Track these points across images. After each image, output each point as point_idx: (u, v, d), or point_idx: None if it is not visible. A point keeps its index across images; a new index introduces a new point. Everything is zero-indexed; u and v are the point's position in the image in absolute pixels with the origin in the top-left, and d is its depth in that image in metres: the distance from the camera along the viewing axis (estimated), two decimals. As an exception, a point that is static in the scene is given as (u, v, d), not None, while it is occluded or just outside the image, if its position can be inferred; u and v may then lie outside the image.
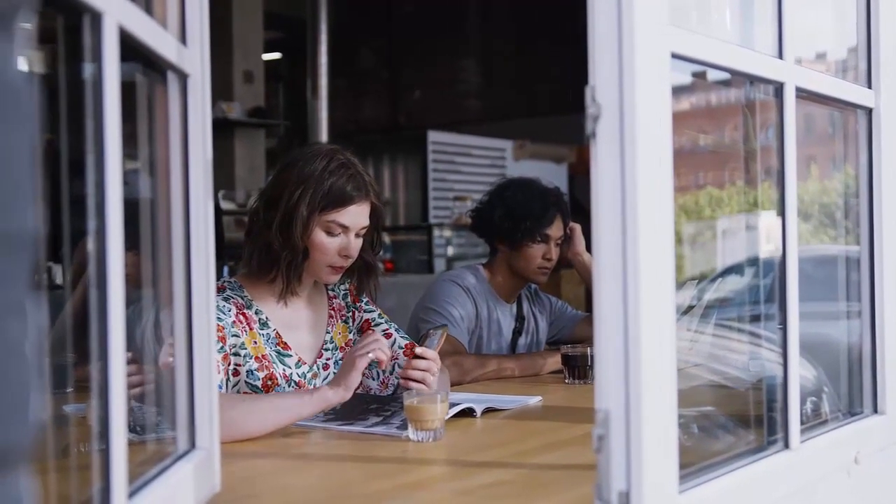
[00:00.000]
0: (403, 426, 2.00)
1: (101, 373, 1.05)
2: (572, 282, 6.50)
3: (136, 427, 1.40)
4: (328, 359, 2.41)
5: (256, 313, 2.31)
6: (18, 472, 0.61)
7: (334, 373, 2.37)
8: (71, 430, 1.51)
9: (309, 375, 2.35)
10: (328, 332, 2.43)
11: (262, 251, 2.29)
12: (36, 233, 0.62)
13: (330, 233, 2.27)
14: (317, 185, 2.24)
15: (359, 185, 2.28)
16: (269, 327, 2.31)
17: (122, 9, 1.09)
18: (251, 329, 2.28)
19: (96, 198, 1.04)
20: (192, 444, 1.44)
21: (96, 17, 1.03)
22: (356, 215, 2.29)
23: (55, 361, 1.75)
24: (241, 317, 2.25)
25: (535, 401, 2.45)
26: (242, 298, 2.30)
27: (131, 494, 1.13)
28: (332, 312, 2.47)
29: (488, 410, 2.29)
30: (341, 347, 2.44)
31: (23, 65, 0.62)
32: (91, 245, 1.04)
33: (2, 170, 0.59)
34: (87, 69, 1.05)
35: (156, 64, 1.33)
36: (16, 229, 0.60)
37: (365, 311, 2.51)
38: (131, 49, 1.15)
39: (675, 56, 1.31)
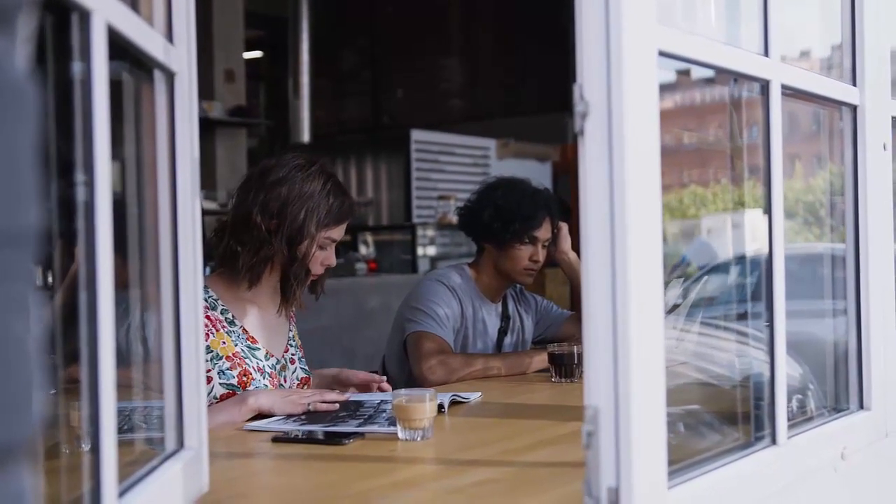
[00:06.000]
0: (392, 423, 1.99)
1: (90, 374, 1.04)
2: (556, 280, 6.51)
3: (122, 426, 1.40)
4: (293, 354, 2.55)
5: (222, 313, 2.39)
6: (22, 468, 0.62)
7: (300, 367, 2.55)
8: (56, 430, 1.50)
9: (278, 368, 2.46)
10: (290, 331, 2.58)
11: (263, 262, 2.38)
12: (36, 230, 0.63)
13: (321, 247, 2.42)
14: (320, 205, 2.38)
15: (352, 204, 2.47)
16: (236, 325, 2.40)
17: (110, 7, 1.08)
18: (218, 330, 2.36)
19: (85, 198, 1.03)
20: (181, 444, 1.43)
21: (85, 16, 1.03)
22: (344, 229, 2.48)
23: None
24: (205, 319, 2.28)
25: (475, 396, 2.48)
26: (206, 300, 2.35)
27: (121, 494, 1.12)
28: (292, 315, 2.61)
29: (454, 403, 2.36)
30: (300, 346, 2.60)
31: (23, 64, 0.62)
32: (80, 246, 1.03)
33: (7, 167, 0.59)
34: (75, 67, 1.05)
35: (143, 62, 1.33)
36: (18, 225, 0.61)
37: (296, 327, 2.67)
38: (118, 47, 1.15)
39: (662, 54, 1.31)
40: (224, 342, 2.35)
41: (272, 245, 2.35)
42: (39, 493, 0.69)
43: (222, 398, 2.29)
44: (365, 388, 2.55)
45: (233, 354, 2.34)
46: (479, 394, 2.51)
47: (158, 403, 1.45)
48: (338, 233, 2.44)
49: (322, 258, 2.43)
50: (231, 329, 2.38)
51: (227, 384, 2.31)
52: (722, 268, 2.27)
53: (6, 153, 0.58)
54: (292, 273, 2.39)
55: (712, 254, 2.17)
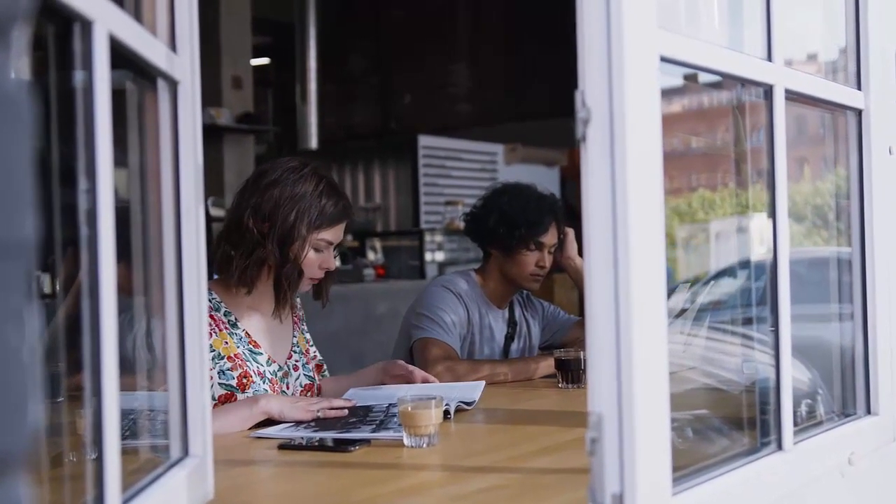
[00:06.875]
0: (401, 429, 1.99)
1: (93, 382, 1.05)
2: (565, 286, 6.50)
3: (126, 433, 1.40)
4: (296, 361, 2.54)
5: (225, 315, 2.40)
6: (17, 478, 0.62)
7: (304, 374, 2.54)
8: (62, 438, 1.51)
9: (280, 374, 2.46)
10: (294, 337, 2.57)
11: (256, 265, 2.38)
12: (33, 241, 0.63)
13: (317, 249, 2.41)
14: (311, 206, 2.37)
15: (346, 206, 2.45)
16: (239, 328, 2.41)
17: (112, 16, 1.08)
18: (221, 330, 2.37)
19: (88, 206, 1.04)
20: (186, 452, 1.43)
21: (87, 25, 1.03)
22: (341, 232, 2.47)
23: (46, 370, 1.74)
24: (208, 319, 2.30)
25: (481, 387, 2.53)
26: (210, 301, 2.36)
27: (125, 502, 1.13)
28: (296, 320, 2.61)
29: (460, 410, 2.35)
30: (304, 352, 2.58)
31: (20, 73, 0.62)
32: (83, 254, 1.04)
33: (2, 179, 0.59)
34: (78, 76, 1.05)
35: (146, 71, 1.33)
36: (14, 237, 0.61)
37: (307, 331, 2.66)
38: (121, 56, 1.15)
39: (664, 59, 1.31)
40: (226, 342, 2.35)
41: (265, 247, 2.35)
42: (37, 502, 0.69)
43: (221, 399, 2.29)
44: (406, 379, 2.57)
45: (234, 355, 2.35)
46: (483, 383, 2.56)
47: (163, 406, 1.46)
48: (332, 235, 2.42)
49: (319, 261, 2.42)
50: (233, 331, 2.38)
51: (227, 385, 2.32)
52: (730, 272, 2.26)
53: (2, 164, 0.59)
54: (284, 274, 2.38)
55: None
